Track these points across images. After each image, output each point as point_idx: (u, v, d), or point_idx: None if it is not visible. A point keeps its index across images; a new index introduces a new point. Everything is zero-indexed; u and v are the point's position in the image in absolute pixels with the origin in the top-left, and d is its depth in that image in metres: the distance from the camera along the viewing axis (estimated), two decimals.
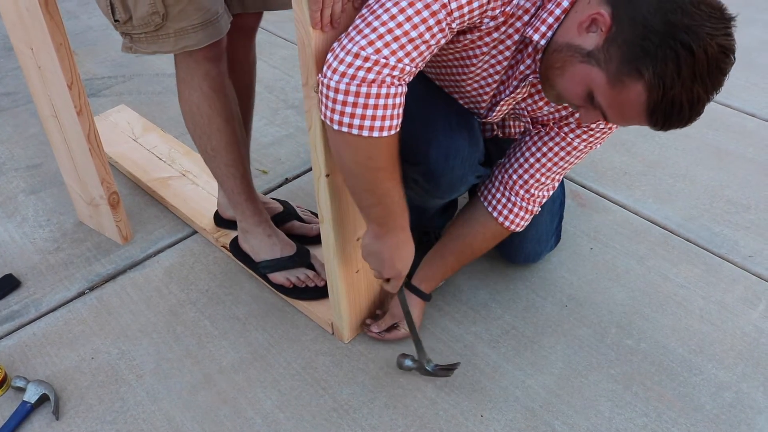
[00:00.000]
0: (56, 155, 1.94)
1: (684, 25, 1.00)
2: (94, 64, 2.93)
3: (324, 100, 1.14)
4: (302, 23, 1.14)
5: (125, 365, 1.64)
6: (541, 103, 1.41)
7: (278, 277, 1.75)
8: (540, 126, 1.49)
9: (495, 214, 1.57)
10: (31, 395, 1.52)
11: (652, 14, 1.01)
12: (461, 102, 1.49)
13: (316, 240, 1.69)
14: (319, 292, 1.71)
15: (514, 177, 1.54)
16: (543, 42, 1.18)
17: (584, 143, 1.47)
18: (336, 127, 1.14)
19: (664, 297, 1.78)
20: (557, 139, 1.47)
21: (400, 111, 1.15)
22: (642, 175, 2.22)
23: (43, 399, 1.54)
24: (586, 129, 1.45)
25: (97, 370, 1.63)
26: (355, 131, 1.13)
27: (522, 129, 1.70)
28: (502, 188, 1.56)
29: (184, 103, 1.58)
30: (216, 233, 1.95)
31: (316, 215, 1.70)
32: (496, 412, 1.51)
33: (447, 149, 1.40)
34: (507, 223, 1.58)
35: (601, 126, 1.44)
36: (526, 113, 1.46)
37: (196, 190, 2.11)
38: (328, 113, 1.14)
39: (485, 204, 1.59)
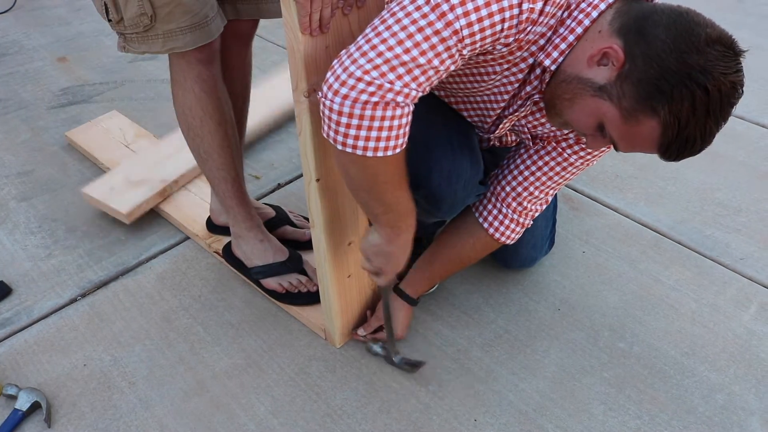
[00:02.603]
0: None
1: (699, 66, 1.01)
2: (86, 70, 2.93)
3: (327, 120, 1.10)
4: (291, 28, 1.14)
5: (118, 372, 1.63)
6: (543, 120, 1.40)
7: (271, 282, 1.75)
8: (538, 141, 1.49)
9: (486, 225, 1.57)
10: (23, 403, 1.52)
11: (667, 53, 1.02)
12: (469, 113, 1.47)
13: (309, 245, 1.69)
14: (312, 298, 1.71)
15: (507, 189, 1.53)
16: (553, 67, 1.17)
17: (581, 160, 1.47)
18: (340, 147, 1.11)
19: (656, 300, 1.78)
20: (554, 154, 1.47)
21: (407, 129, 1.12)
22: (633, 178, 2.23)
23: (35, 406, 1.53)
24: (584, 146, 1.44)
25: (90, 377, 1.62)
26: (359, 152, 1.10)
27: (517, 137, 1.70)
28: (494, 200, 1.56)
29: (178, 105, 1.58)
30: (208, 239, 1.95)
31: (308, 220, 1.70)
32: (490, 416, 1.51)
33: (449, 173, 1.39)
34: (497, 235, 1.57)
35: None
36: (526, 130, 1.46)
37: (189, 196, 2.11)
38: (332, 134, 1.10)
39: (477, 215, 1.58)
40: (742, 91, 1.06)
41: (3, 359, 1.66)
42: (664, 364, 1.62)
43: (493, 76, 1.26)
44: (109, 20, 1.44)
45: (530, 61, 1.21)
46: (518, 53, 1.19)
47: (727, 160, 2.30)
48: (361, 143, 1.09)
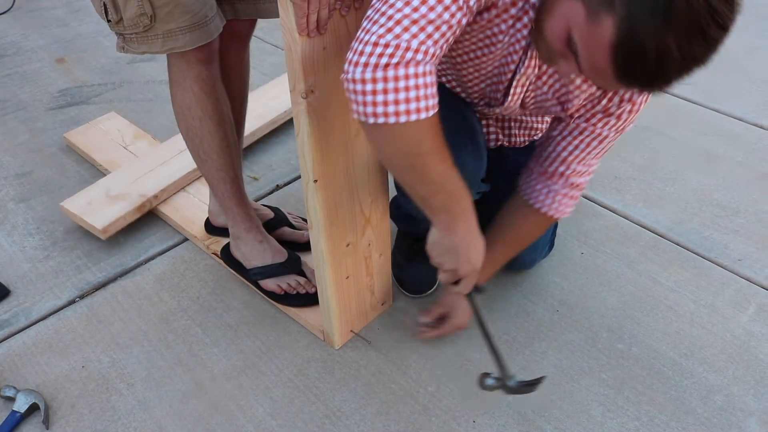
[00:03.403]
0: None
1: None
2: (84, 72, 2.93)
3: (353, 96, 1.07)
4: (289, 29, 1.14)
5: (116, 373, 1.63)
6: (557, 78, 1.36)
7: (269, 283, 1.75)
8: (568, 118, 1.45)
9: (538, 205, 1.54)
10: (21, 404, 1.52)
11: None
12: (481, 86, 1.45)
13: (307, 246, 1.69)
14: (311, 299, 1.71)
15: (550, 169, 1.50)
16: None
17: (612, 128, 1.43)
18: (372, 120, 1.07)
19: (655, 301, 1.78)
20: (586, 133, 1.44)
21: (434, 90, 1.08)
22: (631, 179, 2.23)
23: (33, 408, 1.53)
24: (611, 117, 1.40)
25: (88, 378, 1.62)
26: (392, 119, 1.06)
27: (527, 138, 1.69)
28: (541, 178, 1.52)
29: (177, 106, 1.58)
30: (207, 240, 1.95)
31: (306, 221, 1.70)
32: (488, 418, 1.51)
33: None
34: (551, 212, 1.54)
35: (624, 108, 1.39)
36: (556, 102, 1.40)
37: (187, 197, 2.11)
38: (360, 108, 1.07)
39: (525, 198, 1.56)
40: (726, 31, 0.94)
41: (1, 361, 1.66)
42: (662, 365, 1.62)
43: (500, 36, 1.25)
44: (108, 21, 1.44)
45: (532, 14, 1.20)
46: (520, 4, 1.18)
47: (725, 162, 2.31)
48: (391, 108, 1.05)
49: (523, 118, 1.65)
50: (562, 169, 1.49)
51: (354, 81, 1.05)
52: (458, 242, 1.23)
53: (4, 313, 1.79)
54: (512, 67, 1.33)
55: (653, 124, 2.45)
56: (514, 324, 1.72)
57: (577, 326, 1.72)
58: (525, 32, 1.24)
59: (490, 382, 1.44)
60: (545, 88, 1.39)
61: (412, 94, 1.05)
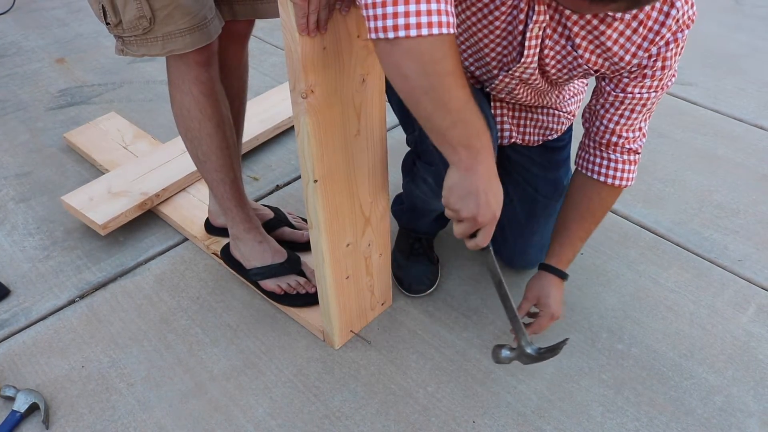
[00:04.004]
0: None
1: None
2: (84, 72, 2.93)
3: (368, 12, 1.04)
4: (289, 29, 1.14)
5: (116, 373, 1.63)
6: (560, 29, 1.33)
7: (269, 284, 1.75)
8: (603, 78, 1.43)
9: (602, 178, 1.52)
10: (21, 404, 1.52)
11: None
12: (497, 50, 1.42)
13: (307, 246, 1.69)
14: (310, 299, 1.71)
15: (603, 141, 1.49)
16: None
17: (652, 90, 1.39)
18: (391, 35, 1.04)
19: (655, 301, 1.78)
20: (627, 102, 1.41)
21: (452, 9, 1.06)
22: None
23: (33, 408, 1.53)
24: (644, 80, 1.37)
25: (88, 378, 1.62)
26: (413, 32, 1.03)
27: (541, 137, 1.68)
28: (598, 151, 1.51)
29: (176, 107, 1.58)
30: (207, 240, 1.95)
31: (306, 221, 1.71)
32: (488, 418, 1.51)
33: None
34: (615, 182, 1.52)
35: (656, 66, 1.35)
36: (573, 53, 1.36)
37: (187, 197, 2.11)
38: (379, 23, 1.04)
39: (586, 172, 1.54)
40: None
41: (1, 361, 1.66)
42: (662, 365, 1.62)
43: None
44: (107, 23, 1.44)
45: None
46: None
47: (725, 162, 2.31)
48: (412, 20, 1.02)
49: (538, 116, 1.64)
50: (614, 139, 1.47)
51: None
52: (479, 183, 1.15)
53: (4, 312, 1.79)
54: (522, 17, 1.30)
55: (654, 125, 2.45)
56: None
57: (576, 326, 1.72)
58: None
59: (506, 353, 1.37)
60: (556, 36, 1.35)
61: (433, 6, 1.02)
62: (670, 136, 2.43)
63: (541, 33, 1.33)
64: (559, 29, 1.32)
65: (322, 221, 1.41)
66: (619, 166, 1.51)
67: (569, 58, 1.38)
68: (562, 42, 1.34)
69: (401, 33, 1.03)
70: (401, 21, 1.02)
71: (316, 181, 1.34)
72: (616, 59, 1.34)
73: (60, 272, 1.91)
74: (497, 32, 1.37)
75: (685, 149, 2.37)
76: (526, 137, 1.67)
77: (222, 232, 1.91)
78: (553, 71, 1.42)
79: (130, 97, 2.75)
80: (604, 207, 1.59)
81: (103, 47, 3.11)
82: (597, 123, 1.48)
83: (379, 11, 1.03)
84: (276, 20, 1.31)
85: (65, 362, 1.66)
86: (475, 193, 1.15)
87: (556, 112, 1.66)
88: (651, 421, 1.50)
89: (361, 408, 1.54)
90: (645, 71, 1.35)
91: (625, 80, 1.38)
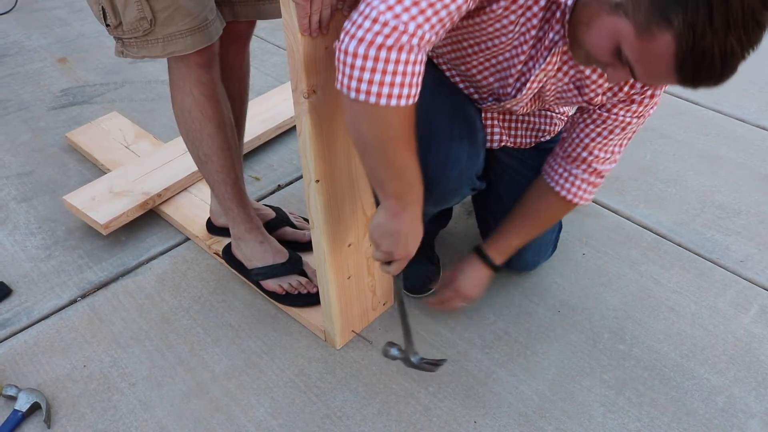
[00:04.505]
0: None
1: None
2: (86, 71, 2.93)
3: (341, 66, 1.09)
4: (291, 29, 1.14)
5: (117, 373, 1.63)
6: (579, 76, 1.36)
7: (270, 284, 1.75)
8: (592, 109, 1.46)
9: (558, 188, 1.55)
10: (23, 404, 1.52)
11: None
12: (489, 80, 1.44)
13: (309, 246, 1.69)
14: (312, 299, 1.71)
15: (573, 154, 1.51)
16: (570, 1, 1.14)
17: (633, 114, 1.43)
18: (353, 95, 1.09)
19: (656, 302, 1.78)
20: (609, 121, 1.44)
21: (419, 80, 1.10)
22: (633, 180, 2.23)
23: (34, 407, 1.53)
24: (632, 105, 1.40)
25: (89, 378, 1.62)
26: (372, 99, 1.08)
27: (533, 139, 1.68)
28: (563, 163, 1.53)
29: (177, 109, 1.58)
30: (208, 240, 1.95)
31: (308, 221, 1.71)
32: (490, 418, 1.51)
33: (445, 158, 1.39)
34: (569, 197, 1.55)
35: (646, 94, 1.39)
36: (576, 92, 1.40)
37: (189, 197, 2.11)
38: (345, 80, 1.09)
39: (547, 180, 1.57)
40: None
41: (3, 360, 1.66)
42: (664, 366, 1.62)
43: (509, 27, 1.24)
44: (107, 25, 1.43)
45: (542, 2, 1.19)
46: None
47: (727, 163, 2.30)
48: (375, 88, 1.07)
49: (529, 118, 1.65)
50: (585, 154, 1.50)
51: (346, 53, 1.06)
52: (401, 228, 1.27)
53: (6, 312, 1.79)
54: (522, 57, 1.32)
55: (655, 125, 2.45)
56: (515, 324, 1.72)
57: (578, 327, 1.72)
58: (535, 21, 1.23)
59: (394, 351, 1.49)
60: (566, 79, 1.38)
61: (398, 79, 1.07)
62: (671, 136, 2.42)
63: (545, 78, 1.36)
64: (571, 72, 1.35)
65: (324, 221, 1.41)
66: (577, 182, 1.54)
67: (569, 95, 1.42)
68: (566, 80, 1.37)
69: (362, 97, 1.08)
70: (365, 87, 1.07)
71: (317, 180, 1.34)
72: (610, 95, 1.38)
73: (62, 272, 1.91)
74: (494, 63, 1.39)
75: (686, 150, 2.37)
76: (518, 140, 1.67)
77: (224, 231, 1.91)
78: (550, 100, 1.46)
79: (131, 96, 2.75)
80: (553, 217, 1.64)
81: (104, 47, 3.11)
82: (574, 135, 1.51)
83: (349, 71, 1.07)
84: (278, 20, 1.31)
85: (67, 362, 1.66)
86: (396, 235, 1.28)
87: (548, 113, 1.67)
88: (652, 421, 1.50)
89: (363, 408, 1.54)
90: (634, 97, 1.39)
91: (614, 106, 1.42)
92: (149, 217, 2.08)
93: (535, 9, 1.21)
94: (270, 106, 2.49)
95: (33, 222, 2.10)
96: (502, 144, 1.66)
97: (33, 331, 1.74)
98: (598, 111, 1.44)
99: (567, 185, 1.54)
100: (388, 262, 1.37)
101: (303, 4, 1.09)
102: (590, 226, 2.03)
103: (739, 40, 0.95)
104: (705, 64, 0.98)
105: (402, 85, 1.08)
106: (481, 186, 1.56)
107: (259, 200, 2.13)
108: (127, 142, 2.37)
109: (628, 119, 1.43)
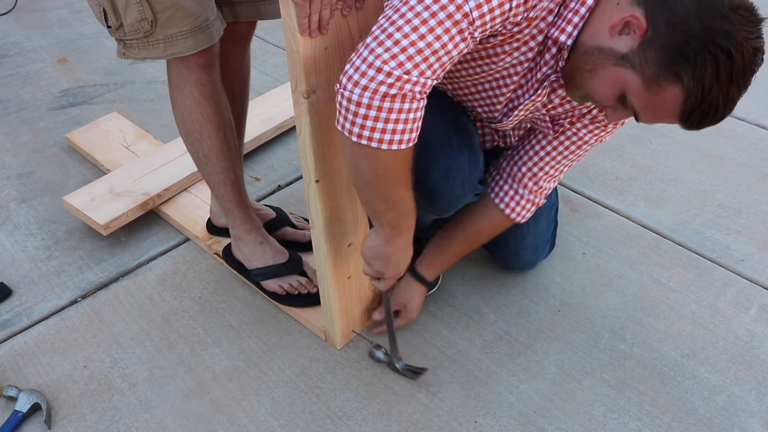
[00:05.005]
0: None
1: (723, 30, 1.00)
2: (86, 72, 2.93)
3: (343, 111, 1.11)
4: (290, 30, 1.14)
5: (118, 373, 1.63)
6: (561, 105, 1.39)
7: (271, 284, 1.75)
8: (557, 127, 1.48)
9: (502, 206, 1.57)
10: (23, 404, 1.52)
11: (690, 18, 1.01)
12: (478, 102, 1.46)
13: (309, 246, 1.69)
14: (312, 299, 1.71)
15: (523, 169, 1.53)
16: (569, 42, 1.16)
17: (594, 137, 1.46)
18: (354, 139, 1.12)
19: (657, 301, 1.78)
20: (568, 134, 1.46)
21: (419, 125, 1.13)
22: (633, 179, 2.23)
23: (35, 408, 1.53)
24: (597, 125, 1.43)
25: (90, 378, 1.62)
26: (374, 144, 1.11)
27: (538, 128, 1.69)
28: (510, 180, 1.55)
29: (177, 110, 1.58)
30: (209, 241, 1.95)
31: (308, 222, 1.71)
32: (490, 418, 1.51)
33: (447, 169, 1.40)
34: (513, 215, 1.57)
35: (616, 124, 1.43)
36: (547, 118, 1.44)
37: (189, 197, 2.11)
38: (347, 125, 1.11)
39: (492, 195, 1.58)
40: (763, 58, 1.06)
41: (3, 361, 1.67)
42: (664, 365, 1.62)
43: (502, 56, 1.26)
44: (108, 26, 1.43)
45: (540, 38, 1.20)
46: (527, 31, 1.18)
47: (727, 162, 2.30)
48: (377, 135, 1.10)
49: (537, 117, 1.65)
50: (535, 169, 1.52)
51: (349, 100, 1.09)
52: (394, 253, 1.35)
53: (6, 313, 1.79)
54: (512, 87, 1.34)
55: (655, 125, 2.45)
56: (515, 324, 1.72)
57: (578, 326, 1.72)
58: (530, 55, 1.25)
59: (379, 354, 1.60)
60: (544, 111, 1.42)
61: (400, 126, 1.10)
62: (671, 136, 2.42)
63: (533, 107, 1.39)
64: (556, 101, 1.38)
65: (324, 221, 1.41)
66: (522, 202, 1.57)
67: (539, 123, 1.47)
68: (543, 111, 1.42)
69: (363, 142, 1.11)
70: (367, 133, 1.10)
71: (317, 181, 1.34)
72: (577, 112, 1.42)
73: (62, 272, 1.91)
74: (480, 89, 1.41)
75: (686, 149, 2.37)
76: (507, 140, 1.68)
77: (224, 232, 1.91)
78: (523, 123, 1.52)
79: (131, 97, 2.75)
80: (491, 233, 1.66)
81: (105, 47, 3.11)
82: (528, 146, 1.53)
83: (351, 117, 1.10)
84: (278, 20, 1.31)
85: (67, 362, 1.66)
86: (388, 258, 1.36)
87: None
88: (653, 421, 1.50)
89: (363, 408, 1.54)
90: (598, 118, 1.42)
91: (579, 121, 1.44)
92: (149, 218, 2.08)
93: (532, 44, 1.23)
94: (270, 106, 2.49)
95: (33, 222, 2.10)
96: (495, 144, 1.67)
97: (33, 331, 1.74)
98: (560, 121, 1.46)
99: (512, 204, 1.57)
100: (377, 278, 1.45)
101: (302, 4, 1.09)
102: (590, 225, 2.03)
103: (739, 88, 1.06)
104: (710, 113, 1.07)
105: (404, 131, 1.11)
106: (483, 190, 1.56)
107: (259, 200, 2.13)
108: (127, 143, 2.37)
109: (586, 138, 1.46)
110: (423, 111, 1.12)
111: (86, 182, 2.19)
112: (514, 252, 1.75)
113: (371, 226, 1.36)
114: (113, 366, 1.65)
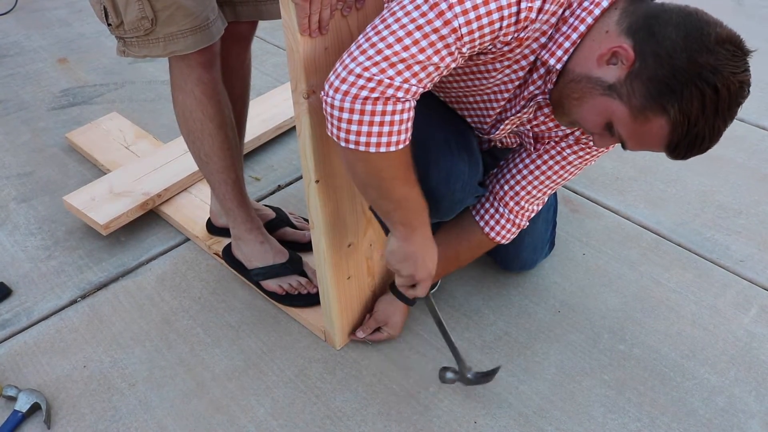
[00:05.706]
0: None
1: (710, 65, 1.02)
2: (86, 72, 2.93)
3: (329, 117, 1.12)
4: (290, 30, 1.15)
5: (117, 373, 1.63)
6: (545, 120, 1.40)
7: (271, 284, 1.75)
8: (539, 143, 1.49)
9: (482, 224, 1.57)
10: (23, 404, 1.52)
11: (678, 52, 1.02)
12: (468, 113, 1.47)
13: (309, 247, 1.69)
14: (312, 299, 1.71)
15: (506, 188, 1.53)
16: (558, 66, 1.17)
17: (580, 159, 1.47)
18: (343, 144, 1.13)
19: (657, 302, 1.78)
20: (552, 153, 1.47)
21: (409, 125, 1.13)
22: (633, 180, 2.23)
23: (34, 408, 1.53)
24: (583, 146, 1.44)
25: (89, 378, 1.62)
26: (362, 148, 1.11)
27: (518, 139, 1.69)
28: (492, 199, 1.56)
29: (178, 108, 1.58)
30: (208, 241, 1.95)
31: (308, 222, 1.71)
32: (490, 419, 1.51)
33: (448, 174, 1.40)
34: (493, 234, 1.57)
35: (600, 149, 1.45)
36: (529, 131, 1.45)
37: (189, 197, 2.11)
38: (335, 131, 1.12)
39: (473, 213, 1.59)
40: (749, 90, 1.08)
41: (3, 360, 1.66)
42: (664, 366, 1.62)
43: (493, 74, 1.26)
44: (109, 24, 1.44)
45: (531, 58, 1.21)
46: (518, 50, 1.19)
47: (727, 163, 2.30)
48: (363, 139, 1.10)
49: (521, 131, 1.66)
50: (517, 188, 1.53)
51: (332, 106, 1.10)
52: (415, 251, 1.31)
53: (6, 312, 1.79)
54: (502, 103, 1.35)
55: None
56: (515, 324, 1.72)
57: (578, 327, 1.72)
58: (521, 74, 1.26)
59: (450, 375, 1.53)
60: (529, 126, 1.43)
61: (386, 129, 1.10)
62: None
63: (519, 122, 1.40)
64: (542, 119, 1.40)
65: (324, 221, 1.41)
66: (502, 221, 1.57)
67: (522, 136, 1.49)
68: (528, 126, 1.44)
69: (351, 146, 1.12)
70: (354, 137, 1.11)
71: (317, 181, 1.34)
72: (561, 132, 1.44)
73: (61, 272, 1.91)
74: (472, 101, 1.42)
75: None
76: (503, 141, 1.68)
77: (224, 232, 1.91)
78: (509, 134, 1.53)
79: (131, 97, 2.75)
80: (473, 253, 1.66)
81: (105, 47, 3.11)
82: (512, 167, 1.53)
83: (336, 123, 1.11)
84: (278, 20, 1.31)
85: (67, 362, 1.66)
86: (413, 257, 1.32)
87: None
88: (653, 421, 1.50)
89: (363, 408, 1.54)
90: (582, 140, 1.43)
91: (564, 140, 1.46)
92: (149, 218, 2.08)
93: (523, 63, 1.23)
94: (270, 106, 2.49)
95: (33, 222, 2.10)
96: (491, 145, 1.68)
97: (33, 331, 1.74)
98: (547, 145, 1.48)
99: (492, 223, 1.57)
100: (413, 285, 1.39)
101: (302, 4, 1.09)
102: (590, 226, 2.03)
103: (724, 120, 1.06)
104: (696, 144, 1.08)
105: (390, 134, 1.11)
106: (483, 192, 1.56)
107: (259, 200, 2.13)
108: (127, 143, 2.37)
109: (570, 158, 1.47)
110: (412, 114, 1.12)
111: (86, 182, 2.19)
112: (514, 252, 1.75)
113: (387, 233, 1.36)
114: (113, 366, 1.65)
